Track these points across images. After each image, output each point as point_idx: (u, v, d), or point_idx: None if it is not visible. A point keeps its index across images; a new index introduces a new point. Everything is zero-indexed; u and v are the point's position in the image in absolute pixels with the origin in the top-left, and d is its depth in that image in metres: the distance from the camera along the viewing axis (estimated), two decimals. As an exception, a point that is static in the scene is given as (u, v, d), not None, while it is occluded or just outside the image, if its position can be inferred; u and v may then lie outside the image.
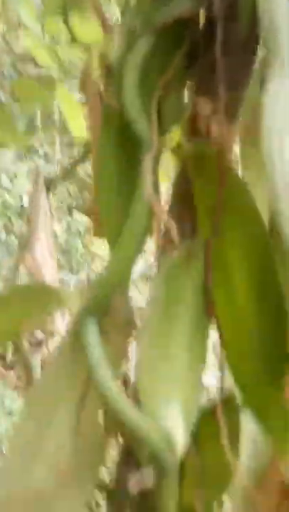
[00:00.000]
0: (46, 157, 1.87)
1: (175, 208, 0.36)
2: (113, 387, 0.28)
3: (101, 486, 0.43)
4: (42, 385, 0.34)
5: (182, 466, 0.36)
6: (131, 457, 0.40)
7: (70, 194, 1.91)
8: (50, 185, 0.79)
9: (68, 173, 0.60)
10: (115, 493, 0.41)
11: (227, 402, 0.30)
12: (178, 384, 0.29)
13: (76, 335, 0.30)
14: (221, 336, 0.30)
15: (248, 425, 0.37)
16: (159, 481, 0.25)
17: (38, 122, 1.60)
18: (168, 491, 0.25)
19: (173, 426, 0.27)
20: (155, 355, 0.29)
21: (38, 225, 0.77)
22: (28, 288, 0.35)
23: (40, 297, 0.32)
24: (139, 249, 0.27)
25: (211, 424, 0.31)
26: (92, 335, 0.28)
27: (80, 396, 0.34)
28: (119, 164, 0.33)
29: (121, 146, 0.33)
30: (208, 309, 0.30)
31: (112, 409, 0.27)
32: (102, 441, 0.37)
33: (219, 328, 0.30)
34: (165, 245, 0.34)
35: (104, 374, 0.28)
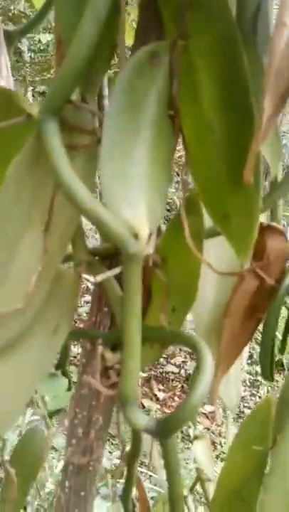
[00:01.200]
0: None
1: (143, 18, 0.34)
2: (80, 188, 0.27)
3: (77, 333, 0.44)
4: (5, 202, 0.33)
5: (150, 288, 0.38)
6: (103, 299, 0.41)
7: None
8: (10, 39, 0.74)
9: (29, 27, 0.56)
10: (89, 334, 0.42)
11: (190, 204, 0.30)
12: (142, 188, 0.28)
13: (37, 139, 0.29)
14: (184, 144, 0.30)
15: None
16: (125, 269, 0.26)
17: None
18: (133, 276, 0.25)
19: (138, 222, 0.27)
20: (118, 160, 0.28)
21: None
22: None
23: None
24: (99, 31, 0.25)
25: (176, 233, 0.32)
26: (53, 135, 0.27)
27: (48, 211, 0.33)
28: None
29: None
30: (172, 115, 0.29)
31: (81, 210, 0.27)
32: (72, 282, 0.37)
33: (183, 136, 0.30)
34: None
35: (70, 173, 0.27)
